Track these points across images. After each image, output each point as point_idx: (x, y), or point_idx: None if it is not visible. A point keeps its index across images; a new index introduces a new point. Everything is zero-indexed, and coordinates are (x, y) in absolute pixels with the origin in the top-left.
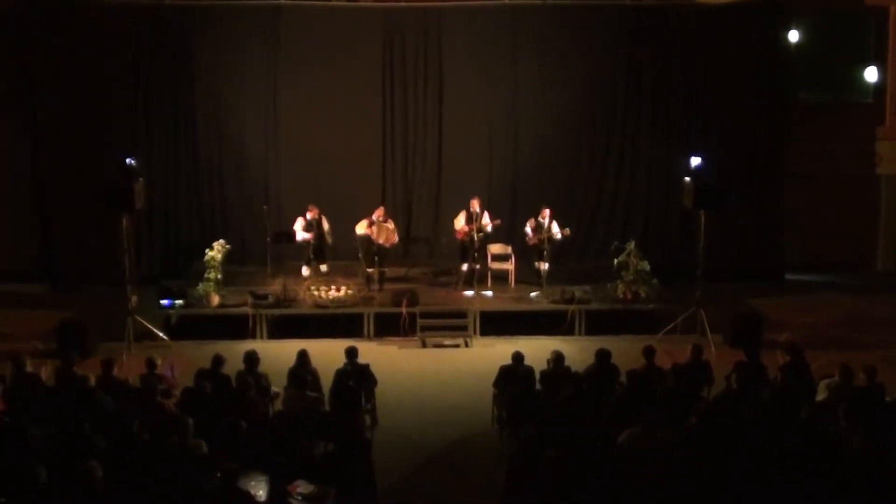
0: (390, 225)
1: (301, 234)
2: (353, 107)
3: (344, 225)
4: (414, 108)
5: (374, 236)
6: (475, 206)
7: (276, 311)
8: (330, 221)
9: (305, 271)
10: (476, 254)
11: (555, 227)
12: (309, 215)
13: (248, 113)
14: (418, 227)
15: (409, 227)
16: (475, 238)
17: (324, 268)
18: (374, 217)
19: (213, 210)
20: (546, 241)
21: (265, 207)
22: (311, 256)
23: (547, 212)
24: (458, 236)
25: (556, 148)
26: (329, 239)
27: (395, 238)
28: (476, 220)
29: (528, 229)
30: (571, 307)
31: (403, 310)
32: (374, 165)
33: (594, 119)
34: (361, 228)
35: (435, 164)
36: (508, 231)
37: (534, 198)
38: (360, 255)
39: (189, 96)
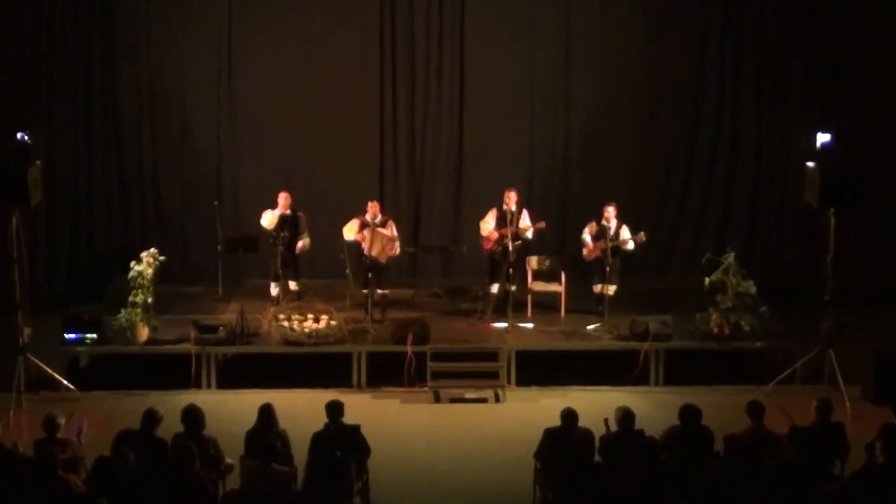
0: (389, 230)
1: (267, 221)
2: (340, 67)
3: (326, 230)
4: (424, 71)
5: (365, 245)
6: (510, 202)
7: (231, 350)
8: (309, 224)
9: (274, 290)
10: (511, 270)
11: (625, 233)
12: (278, 208)
13: (194, 72)
14: (430, 232)
15: (418, 232)
16: (510, 248)
17: (294, 285)
18: (367, 217)
19: (142, 207)
20: (611, 252)
21: (216, 204)
22: (281, 270)
23: (611, 211)
24: (487, 246)
25: (621, 126)
26: (305, 242)
27: (396, 248)
28: (512, 223)
29: (587, 236)
30: (645, 345)
31: (408, 349)
32: (368, 147)
33: (674, 86)
34: (351, 232)
35: (454, 147)
36: (557, 238)
37: (592, 192)
38: (347, 270)
39: (108, 48)
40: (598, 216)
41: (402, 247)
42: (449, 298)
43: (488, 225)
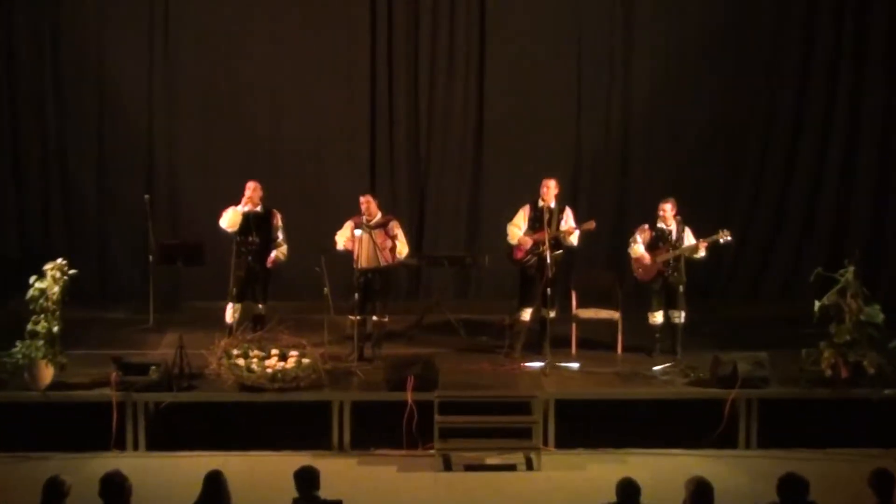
0: (391, 232)
1: (227, 221)
2: (319, 27)
3: (300, 236)
4: (430, 32)
5: (352, 251)
6: (549, 195)
7: (166, 398)
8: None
9: (230, 315)
10: (550, 289)
11: (688, 237)
12: (244, 202)
13: (117, 15)
14: (438, 238)
15: (422, 238)
16: (548, 259)
17: (261, 309)
18: (362, 218)
19: (44, 201)
20: (673, 266)
21: (147, 198)
22: (243, 288)
23: (669, 209)
24: (518, 255)
25: (694, 98)
26: (281, 251)
27: (388, 254)
28: (551, 225)
29: (639, 245)
30: (732, 393)
31: (409, 397)
32: (356, 132)
33: (767, 45)
34: (342, 238)
35: (470, 128)
36: (610, 245)
37: (655, 185)
38: (325, 289)
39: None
40: (653, 219)
41: (402, 256)
42: (464, 329)
43: (518, 229)
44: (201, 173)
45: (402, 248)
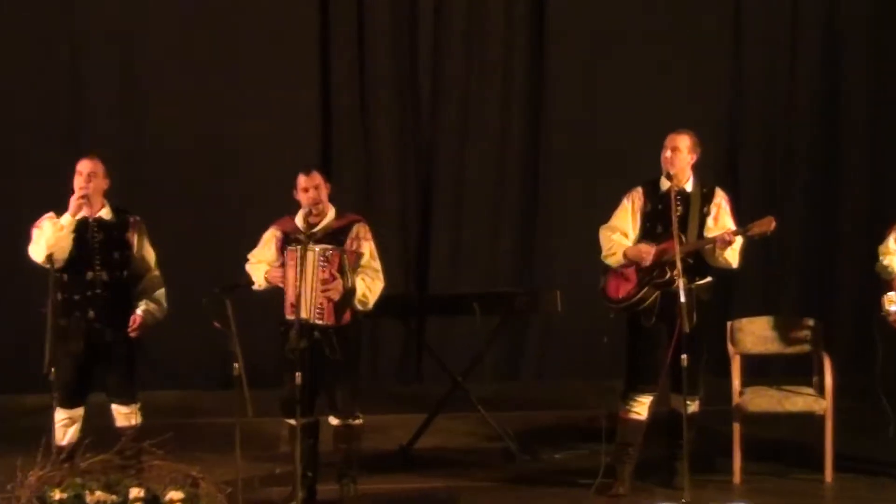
0: (348, 253)
1: (43, 243)
2: None
3: (185, 270)
4: None
5: (283, 289)
6: (679, 163)
7: None
8: (162, 245)
9: (60, 431)
10: (689, 355)
11: None
12: (78, 200)
13: None
14: (461, 265)
15: (427, 264)
16: (682, 294)
17: (129, 412)
18: (295, 219)
19: None
20: None
21: None
22: (68, 378)
23: None
24: (619, 293)
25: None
26: (152, 309)
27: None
28: (688, 223)
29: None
30: None
31: None
32: (301, 96)
33: None
34: (259, 263)
35: (519, 86)
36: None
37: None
38: (236, 364)
39: None
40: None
41: (370, 299)
42: (517, 443)
43: (623, 235)
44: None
45: (371, 291)
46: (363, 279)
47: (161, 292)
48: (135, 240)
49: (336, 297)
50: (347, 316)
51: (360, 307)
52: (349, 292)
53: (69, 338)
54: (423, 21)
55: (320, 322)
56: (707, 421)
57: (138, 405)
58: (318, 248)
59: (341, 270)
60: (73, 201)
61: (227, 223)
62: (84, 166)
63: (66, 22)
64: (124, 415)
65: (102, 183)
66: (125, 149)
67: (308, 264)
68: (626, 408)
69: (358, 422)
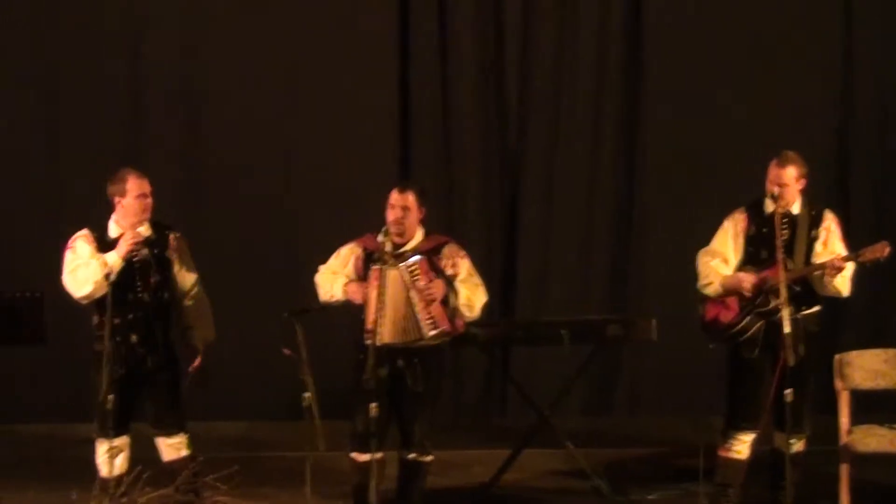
0: (436, 274)
1: (90, 275)
2: None
3: (243, 287)
4: None
5: (367, 312)
6: (786, 184)
7: None
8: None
9: (105, 462)
10: (795, 391)
11: None
12: (135, 226)
13: None
14: (548, 290)
15: (513, 289)
16: (786, 324)
17: (178, 443)
18: (378, 237)
19: None
20: None
21: None
22: (114, 406)
23: None
24: (724, 319)
25: None
26: (204, 332)
27: (455, 315)
28: (794, 248)
29: None
30: None
31: None
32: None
33: None
34: (333, 281)
35: (616, 89)
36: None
37: None
38: (305, 395)
39: None
40: None
41: (474, 314)
42: (608, 483)
43: (723, 262)
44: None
45: (475, 297)
46: (466, 287)
47: (209, 314)
48: (175, 258)
49: (439, 295)
50: (461, 323)
51: (465, 312)
52: (451, 295)
53: (114, 363)
54: (510, 12)
55: (434, 332)
56: (813, 461)
57: (187, 435)
58: (402, 264)
59: (435, 273)
60: (127, 243)
61: (299, 241)
62: (145, 186)
63: (128, 24)
64: (170, 446)
65: (145, 203)
66: (185, 159)
67: (393, 285)
68: (726, 446)
69: (430, 458)
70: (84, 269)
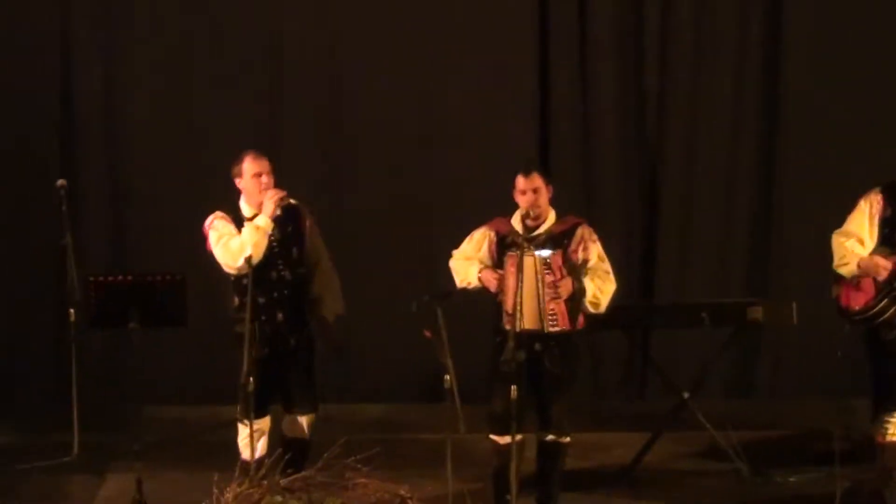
0: (572, 259)
1: (234, 249)
2: None
3: (375, 269)
4: None
5: (499, 297)
6: None
7: None
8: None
9: (246, 444)
10: None
11: None
12: (275, 199)
13: None
14: (687, 272)
15: (653, 271)
16: None
17: (306, 422)
18: (512, 220)
19: None
20: None
21: (61, 186)
22: (256, 386)
23: None
24: (859, 302)
25: None
26: (334, 304)
27: (591, 297)
28: None
29: None
30: None
31: None
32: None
33: None
34: (466, 267)
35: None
36: None
37: None
38: (446, 378)
39: None
40: None
41: (604, 302)
42: (749, 465)
43: (860, 243)
44: (160, 146)
45: (602, 291)
46: (593, 280)
47: (338, 288)
48: (307, 230)
49: (565, 294)
50: (581, 320)
51: (591, 309)
52: (579, 292)
53: (257, 341)
54: (650, 8)
55: (554, 329)
56: None
57: (315, 413)
58: (537, 254)
59: (567, 271)
60: (271, 202)
61: (438, 225)
62: (262, 165)
63: (266, 23)
64: (303, 426)
65: (272, 183)
66: (328, 147)
67: (528, 271)
68: (881, 431)
69: (568, 439)
70: (236, 239)
